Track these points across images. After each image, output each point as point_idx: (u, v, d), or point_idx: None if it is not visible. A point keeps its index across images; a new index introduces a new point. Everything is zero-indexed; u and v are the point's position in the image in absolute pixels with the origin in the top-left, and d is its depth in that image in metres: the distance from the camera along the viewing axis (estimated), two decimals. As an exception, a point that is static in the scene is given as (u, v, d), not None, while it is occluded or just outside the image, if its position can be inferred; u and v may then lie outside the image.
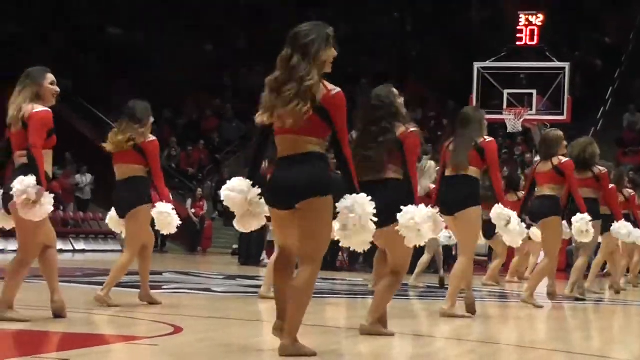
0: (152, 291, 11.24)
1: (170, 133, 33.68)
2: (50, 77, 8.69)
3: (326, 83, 6.78)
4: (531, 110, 26.00)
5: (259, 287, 13.17)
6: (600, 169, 13.69)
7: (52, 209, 8.38)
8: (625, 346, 9.09)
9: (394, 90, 8.75)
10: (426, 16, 36.86)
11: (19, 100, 8.47)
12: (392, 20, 37.29)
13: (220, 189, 7.86)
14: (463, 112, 10.71)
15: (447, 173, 10.49)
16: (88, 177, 29.37)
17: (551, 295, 13.16)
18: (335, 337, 8.42)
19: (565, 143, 12.49)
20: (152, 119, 10.64)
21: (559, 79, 26.22)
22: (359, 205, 6.61)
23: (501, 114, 26.19)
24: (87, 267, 18.77)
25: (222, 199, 7.05)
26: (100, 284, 12.40)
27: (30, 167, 8.28)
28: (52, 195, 8.39)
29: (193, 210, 28.40)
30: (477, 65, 26.73)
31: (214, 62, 36.99)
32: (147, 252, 11.03)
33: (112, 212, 10.57)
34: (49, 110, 8.51)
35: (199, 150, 33.62)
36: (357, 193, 6.68)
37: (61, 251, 25.28)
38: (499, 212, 10.27)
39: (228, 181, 7.08)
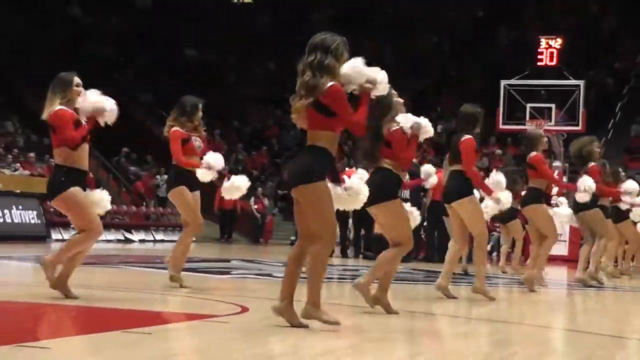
0: (222, 276, 11.25)
1: (237, 140, 33.81)
2: (77, 80, 8.55)
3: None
4: (550, 121, 25.84)
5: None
6: (591, 164, 13.04)
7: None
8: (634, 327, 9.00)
9: (392, 90, 8.65)
10: (461, 40, 36.74)
11: (47, 105, 8.49)
12: (431, 44, 37.21)
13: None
14: (460, 110, 10.45)
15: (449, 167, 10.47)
16: (165, 178, 29.49)
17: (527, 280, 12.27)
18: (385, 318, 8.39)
19: (545, 140, 12.20)
20: (200, 114, 10.52)
21: (575, 95, 26.06)
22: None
23: (524, 124, 26.05)
24: (165, 254, 18.84)
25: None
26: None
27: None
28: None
29: (256, 207, 28.44)
30: (503, 82, 26.62)
31: (276, 79, 37.06)
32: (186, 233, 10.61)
33: None
34: (63, 108, 8.40)
35: (262, 155, 33.71)
36: None
37: (143, 241, 25.49)
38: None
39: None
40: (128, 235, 25.62)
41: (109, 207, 8.74)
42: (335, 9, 38.41)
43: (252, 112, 36.37)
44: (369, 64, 7.03)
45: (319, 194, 6.74)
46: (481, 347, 6.90)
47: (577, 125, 25.42)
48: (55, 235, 23.27)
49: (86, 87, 8.51)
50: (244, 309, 8.06)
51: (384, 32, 37.20)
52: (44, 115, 8.48)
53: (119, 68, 35.33)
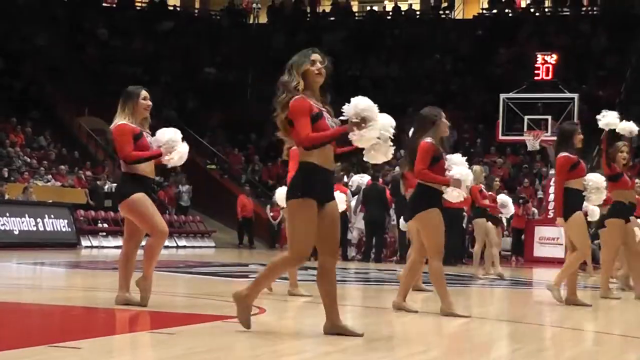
0: (241, 279, 11.21)
1: (254, 152, 33.87)
2: (144, 93, 8.44)
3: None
4: (547, 132, 25.77)
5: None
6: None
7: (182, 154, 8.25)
8: None
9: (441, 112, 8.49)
10: (462, 58, 36.70)
11: (115, 119, 8.30)
12: (434, 62, 37.18)
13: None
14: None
15: None
16: (186, 188, 29.50)
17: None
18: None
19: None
20: None
21: (570, 107, 25.98)
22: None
23: (522, 135, 26.01)
24: (187, 260, 18.87)
25: None
26: (198, 273, 12.49)
27: (140, 163, 8.12)
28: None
29: (271, 214, 28.42)
30: (502, 96, 26.56)
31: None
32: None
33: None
34: (123, 122, 8.19)
35: (277, 166, 33.69)
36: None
37: (167, 247, 25.43)
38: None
39: None
40: (152, 242, 25.58)
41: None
42: (346, 31, 38.43)
43: (268, 126, 36.37)
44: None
45: (295, 212, 6.48)
46: (484, 344, 6.86)
47: (572, 135, 25.36)
48: (84, 242, 23.32)
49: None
50: (262, 310, 8.04)
51: (391, 51, 37.22)
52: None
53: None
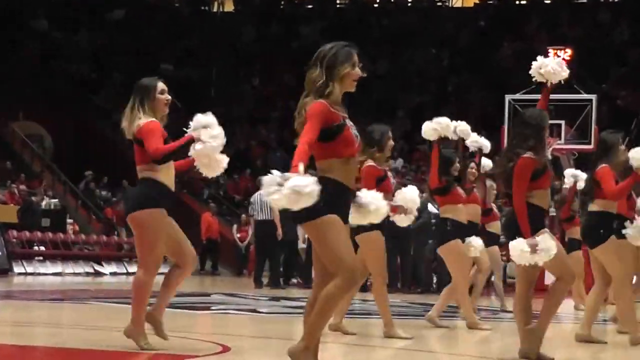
0: (202, 312, 11.17)
1: (218, 162, 33.83)
2: (161, 85, 8.24)
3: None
4: (560, 140, 25.83)
5: (302, 307, 13.08)
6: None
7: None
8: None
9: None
10: (461, 52, 36.84)
11: (130, 116, 8.05)
12: (429, 57, 37.30)
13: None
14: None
15: None
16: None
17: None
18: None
19: None
20: (391, 143, 9.92)
21: (586, 110, 26.05)
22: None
23: (531, 143, 26.09)
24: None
25: None
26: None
27: (173, 157, 8.00)
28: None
29: (239, 235, 28.30)
30: (508, 97, 26.61)
31: (261, 96, 37.07)
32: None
33: None
34: (155, 120, 8.01)
35: (245, 178, 33.65)
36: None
37: (115, 274, 25.31)
38: None
39: None
40: (98, 268, 25.39)
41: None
42: (326, 21, 38.50)
43: (236, 132, 36.37)
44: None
45: (318, 230, 6.22)
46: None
47: (589, 143, 25.40)
48: (17, 268, 23.11)
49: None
50: (225, 349, 8.01)
51: (378, 44, 37.29)
52: (129, 134, 8.05)
53: (92, 86, 35.31)
